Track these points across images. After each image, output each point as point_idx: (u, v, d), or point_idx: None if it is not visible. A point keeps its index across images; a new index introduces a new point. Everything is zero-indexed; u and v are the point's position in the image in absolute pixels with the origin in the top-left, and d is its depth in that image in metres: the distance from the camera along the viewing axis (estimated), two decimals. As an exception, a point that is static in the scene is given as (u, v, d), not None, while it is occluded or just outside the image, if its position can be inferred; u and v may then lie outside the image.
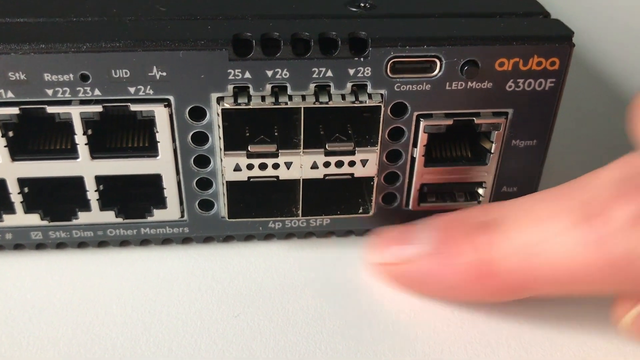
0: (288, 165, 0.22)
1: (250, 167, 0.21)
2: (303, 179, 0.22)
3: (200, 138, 0.21)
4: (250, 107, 0.20)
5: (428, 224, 0.21)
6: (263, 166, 0.22)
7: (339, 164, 0.22)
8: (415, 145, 0.22)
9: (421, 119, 0.22)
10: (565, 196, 0.18)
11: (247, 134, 0.22)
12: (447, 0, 0.23)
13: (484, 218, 0.19)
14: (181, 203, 0.23)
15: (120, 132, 0.22)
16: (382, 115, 0.21)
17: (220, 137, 0.21)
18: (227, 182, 0.22)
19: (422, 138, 0.22)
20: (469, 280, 0.19)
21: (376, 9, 0.22)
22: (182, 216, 0.23)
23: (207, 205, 0.23)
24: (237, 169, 0.21)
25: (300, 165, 0.22)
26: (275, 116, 0.22)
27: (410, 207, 0.24)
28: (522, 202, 0.19)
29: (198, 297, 0.22)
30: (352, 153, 0.22)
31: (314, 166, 0.22)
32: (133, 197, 0.23)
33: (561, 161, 0.27)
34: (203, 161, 0.22)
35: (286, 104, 0.20)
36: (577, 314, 0.21)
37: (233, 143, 0.21)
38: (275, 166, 0.22)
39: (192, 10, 0.21)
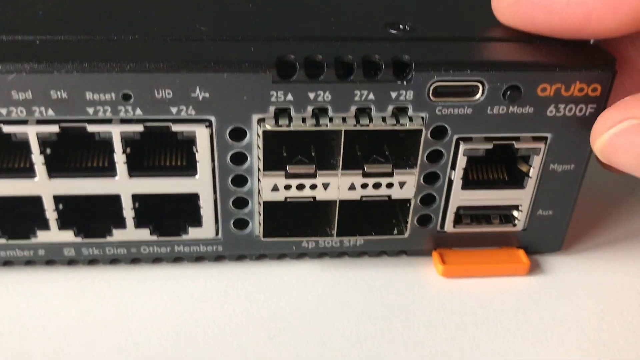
0: (325, 186, 0.22)
1: (287, 187, 0.21)
2: (339, 200, 0.22)
3: (239, 158, 0.21)
4: (292, 129, 0.20)
5: None
6: (301, 187, 0.21)
7: (377, 186, 0.22)
8: (453, 167, 0.22)
9: (461, 142, 0.21)
10: None
11: (285, 155, 0.22)
12: (487, 22, 0.23)
13: None
14: (216, 222, 0.23)
15: (159, 150, 0.22)
16: (423, 139, 0.21)
17: (259, 158, 0.21)
18: (264, 202, 0.22)
19: (461, 161, 0.22)
20: None
21: (416, 31, 0.22)
22: (217, 234, 0.23)
23: (242, 224, 0.23)
24: (275, 189, 0.21)
25: (338, 186, 0.22)
26: (313, 137, 0.22)
27: (445, 229, 0.24)
28: None
29: (233, 318, 0.22)
30: (391, 175, 0.22)
31: (352, 187, 0.22)
32: (169, 215, 0.23)
33: (597, 183, 0.27)
34: (240, 181, 0.22)
35: (327, 126, 0.20)
36: None
37: (272, 163, 0.21)
38: (313, 187, 0.21)
39: (232, 30, 0.21)
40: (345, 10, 0.23)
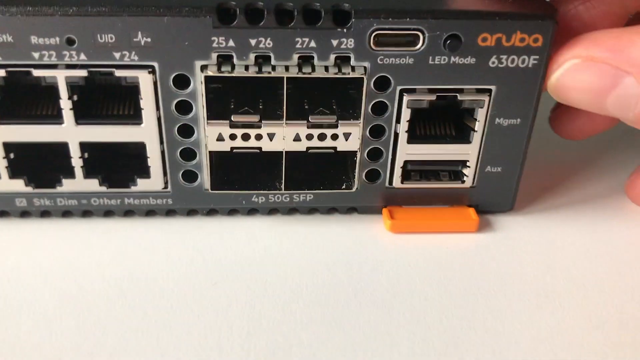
0: (271, 136, 0.22)
1: (233, 137, 0.22)
2: (286, 152, 0.22)
3: (185, 107, 0.21)
4: (234, 75, 0.20)
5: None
6: (246, 137, 0.22)
7: (322, 137, 0.22)
8: (398, 121, 0.22)
9: (404, 94, 0.22)
10: None
11: (232, 106, 0.22)
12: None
13: None
14: (165, 174, 0.23)
15: (106, 100, 0.22)
16: (365, 88, 0.21)
17: (203, 106, 0.21)
18: (209, 152, 0.22)
19: (405, 113, 0.22)
20: None
21: (363, -17, 0.22)
22: (166, 187, 0.23)
23: (190, 176, 0.23)
24: (220, 138, 0.22)
25: (283, 137, 0.22)
26: (261, 89, 0.22)
27: (393, 184, 0.24)
28: None
29: (177, 266, 0.22)
30: (335, 126, 0.22)
31: (297, 138, 0.22)
32: (118, 167, 0.23)
33: (547, 142, 0.27)
34: (187, 131, 0.22)
35: (269, 73, 0.20)
36: None
37: (216, 112, 0.21)
38: (258, 137, 0.22)
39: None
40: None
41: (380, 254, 0.23)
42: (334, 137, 0.22)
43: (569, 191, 0.26)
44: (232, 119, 0.21)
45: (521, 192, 0.25)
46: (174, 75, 0.21)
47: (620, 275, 0.22)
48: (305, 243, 0.23)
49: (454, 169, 0.24)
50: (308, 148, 0.22)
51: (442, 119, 0.24)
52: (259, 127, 0.21)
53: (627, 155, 0.29)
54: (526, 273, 0.22)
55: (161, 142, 0.22)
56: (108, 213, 0.24)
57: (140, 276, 0.21)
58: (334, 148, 0.22)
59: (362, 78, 0.21)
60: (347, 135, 0.22)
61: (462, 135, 0.23)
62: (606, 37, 0.20)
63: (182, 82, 0.21)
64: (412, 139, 0.23)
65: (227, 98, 0.22)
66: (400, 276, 0.22)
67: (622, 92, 0.20)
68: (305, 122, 0.22)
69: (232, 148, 0.22)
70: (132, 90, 0.21)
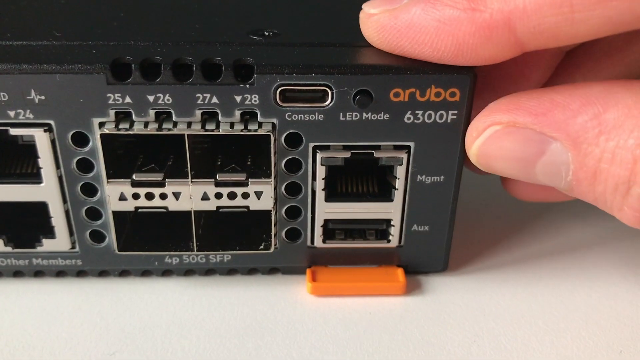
0: (177, 195, 0.21)
1: (136, 196, 0.20)
2: (195, 211, 0.21)
3: (86, 165, 0.20)
4: (131, 132, 0.19)
5: None
6: (150, 196, 0.21)
7: (232, 196, 0.21)
8: (314, 178, 0.21)
9: (318, 151, 0.20)
10: None
11: (140, 162, 0.21)
12: (357, 31, 0.22)
13: None
14: (71, 233, 0.22)
15: (8, 157, 0.21)
16: (272, 145, 0.20)
17: (103, 165, 0.20)
18: (113, 212, 0.21)
19: (321, 171, 0.21)
20: (457, 18, 0.17)
21: (279, 37, 0.21)
22: (74, 247, 0.22)
23: (98, 236, 0.22)
24: (123, 198, 0.20)
25: (190, 196, 0.21)
26: (168, 143, 0.21)
27: (315, 244, 0.22)
28: None
29: (78, 333, 0.20)
30: (246, 184, 0.21)
31: (205, 197, 0.21)
32: (24, 227, 0.22)
33: (486, 198, 0.26)
34: (90, 189, 0.21)
35: (169, 130, 0.19)
36: None
37: (117, 171, 0.20)
38: (163, 196, 0.21)
39: (87, 36, 0.21)
40: (219, 17, 0.23)
41: (298, 320, 0.21)
42: (245, 195, 0.21)
43: (509, 250, 0.25)
44: (133, 177, 0.20)
45: (458, 250, 0.24)
46: (71, 133, 0.20)
47: (553, 346, 0.20)
48: (219, 308, 0.22)
49: (379, 228, 0.22)
50: (218, 207, 0.21)
51: (366, 175, 0.22)
52: (163, 185, 0.20)
53: (568, 214, 0.27)
54: (451, 342, 0.20)
55: (64, 201, 0.21)
56: (17, 273, 0.23)
57: (36, 343, 0.20)
58: (247, 207, 0.21)
59: (269, 135, 0.20)
60: (258, 194, 0.21)
61: (385, 193, 0.22)
62: (527, 99, 0.18)
63: (81, 139, 0.20)
64: (332, 196, 0.22)
65: (135, 154, 0.21)
66: (313, 347, 0.20)
67: (550, 159, 0.18)
68: (213, 180, 0.20)
69: (136, 208, 0.21)
70: (31, 149, 0.20)
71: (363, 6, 0.20)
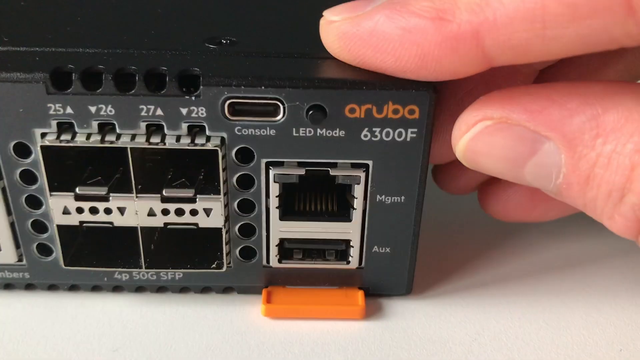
0: (122, 211, 0.20)
1: (80, 210, 0.20)
2: (142, 227, 0.20)
3: (29, 176, 0.20)
4: (72, 145, 0.18)
5: None
6: (94, 210, 0.20)
7: (180, 212, 0.20)
8: (268, 195, 0.20)
9: (270, 167, 0.19)
10: None
11: (86, 175, 0.20)
12: (319, 41, 0.21)
13: None
14: (18, 246, 0.21)
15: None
16: (221, 161, 0.19)
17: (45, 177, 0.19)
18: (57, 225, 0.20)
19: (274, 188, 0.20)
20: (424, 27, 0.16)
21: (235, 45, 0.20)
22: (21, 260, 0.21)
23: (45, 249, 0.21)
24: (66, 212, 0.20)
25: (136, 211, 0.20)
26: (115, 156, 0.20)
27: (270, 264, 0.21)
28: None
29: (23, 346, 0.20)
30: (194, 201, 0.20)
31: (151, 213, 0.20)
32: (-30, 237, 0.21)
33: (454, 219, 0.25)
34: (35, 202, 0.20)
35: (112, 143, 0.19)
36: None
37: (60, 184, 0.19)
38: (108, 211, 0.20)
39: (36, 42, 0.20)
40: (178, 23, 0.22)
41: (250, 344, 0.20)
42: (194, 212, 0.20)
43: (477, 272, 0.23)
44: (77, 191, 0.19)
45: (422, 272, 0.23)
46: (13, 143, 0.19)
47: (516, 379, 0.19)
48: (169, 327, 0.21)
49: (338, 248, 0.21)
50: (166, 224, 0.20)
51: (325, 193, 0.21)
52: (107, 200, 0.19)
53: (538, 232, 0.26)
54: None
55: (9, 213, 0.20)
56: (-35, 285, 0.22)
57: (-29, 362, 0.19)
58: (196, 224, 0.20)
59: (217, 150, 0.19)
60: (208, 211, 0.20)
61: (344, 212, 0.21)
62: (522, 95, 0.17)
63: (23, 150, 0.19)
64: (288, 214, 0.20)
65: (83, 166, 0.20)
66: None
67: (541, 160, 0.17)
68: (159, 195, 0.20)
69: (81, 222, 0.20)
70: (-27, 159, 0.20)
71: (324, 13, 0.19)
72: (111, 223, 0.20)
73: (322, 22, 0.19)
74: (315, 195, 0.21)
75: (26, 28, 0.21)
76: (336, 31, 0.18)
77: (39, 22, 0.21)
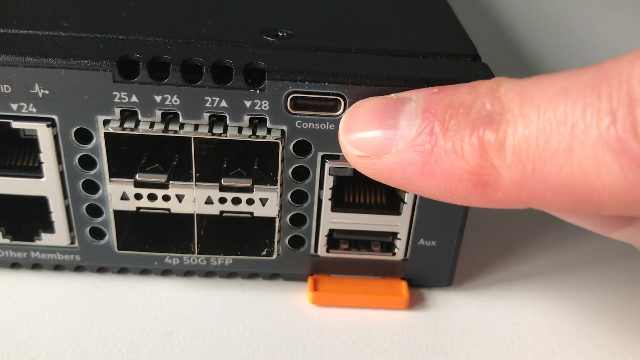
0: (180, 198, 0.20)
1: (138, 196, 0.20)
2: (198, 214, 0.21)
3: (88, 162, 0.20)
4: (136, 133, 0.19)
5: (416, 99, 0.17)
6: (152, 197, 0.20)
7: (236, 201, 0.20)
8: (321, 187, 0.21)
9: (326, 160, 0.20)
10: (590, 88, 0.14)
11: (144, 161, 0.20)
12: (375, 35, 0.21)
13: (489, 107, 0.15)
14: (71, 229, 0.21)
15: (7, 150, 0.21)
16: (280, 153, 0.19)
17: (105, 163, 0.20)
18: (114, 210, 0.20)
19: (328, 180, 0.20)
20: (463, 187, 0.16)
21: (293, 39, 0.20)
22: (73, 243, 0.22)
23: (98, 233, 0.21)
24: (125, 197, 0.20)
25: (194, 199, 0.20)
26: (175, 144, 0.20)
27: (319, 253, 0.22)
28: (539, 89, 0.15)
29: (72, 327, 0.20)
30: (251, 190, 0.20)
31: (209, 201, 0.20)
32: (24, 219, 0.22)
33: (492, 212, 0.26)
34: (92, 186, 0.20)
35: (175, 132, 0.19)
36: None
37: (120, 170, 0.20)
38: (166, 198, 0.20)
39: (96, 28, 0.20)
40: (232, 13, 0.22)
41: (296, 329, 0.21)
42: (250, 201, 0.20)
43: (513, 265, 0.24)
44: (136, 177, 0.20)
45: (462, 264, 0.23)
46: (75, 129, 0.19)
47: (557, 371, 0.20)
48: (218, 311, 0.21)
49: (384, 240, 0.22)
50: (222, 212, 0.20)
51: (375, 186, 0.22)
52: (166, 187, 0.20)
53: (573, 228, 0.26)
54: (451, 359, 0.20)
55: (65, 197, 0.21)
56: (15, 265, 0.22)
57: (30, 334, 0.20)
58: (251, 213, 0.21)
59: (277, 143, 0.19)
60: (263, 201, 0.20)
61: (393, 206, 0.21)
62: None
63: (84, 136, 0.19)
64: (339, 206, 0.21)
65: (140, 152, 0.21)
66: (312, 358, 0.20)
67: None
68: (218, 184, 0.20)
69: (138, 208, 0.20)
70: (33, 143, 0.20)
71: (343, 134, 0.18)
72: (168, 210, 0.20)
73: (342, 146, 0.18)
74: (364, 187, 0.22)
75: (83, 13, 0.21)
76: (360, 165, 0.18)
77: (93, 7, 0.22)
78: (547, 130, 0.14)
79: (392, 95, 0.18)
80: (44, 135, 0.19)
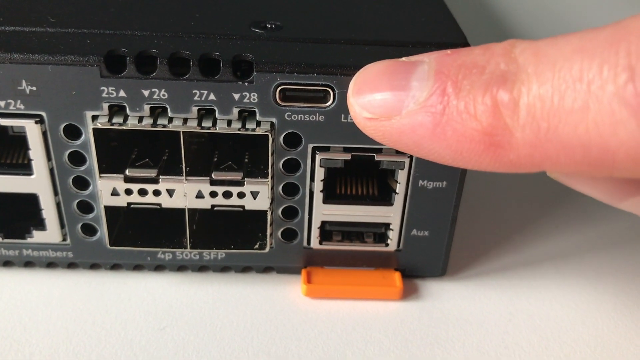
0: (170, 192, 0.20)
1: (129, 192, 0.20)
2: (189, 209, 0.20)
3: (78, 158, 0.20)
4: (125, 128, 0.19)
5: (428, 61, 0.16)
6: (143, 192, 0.20)
7: (227, 195, 0.20)
8: (313, 179, 0.21)
9: (317, 152, 0.20)
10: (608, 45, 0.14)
11: (133, 157, 0.20)
12: (364, 26, 0.21)
13: (503, 67, 0.15)
14: (62, 226, 0.21)
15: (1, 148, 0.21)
16: (270, 145, 0.19)
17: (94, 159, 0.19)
18: (105, 206, 0.20)
19: (319, 172, 0.20)
20: (475, 149, 0.15)
21: (281, 30, 0.20)
22: (65, 240, 0.22)
23: (90, 229, 0.21)
24: (115, 193, 0.20)
25: (184, 193, 0.20)
26: (167, 140, 0.20)
27: (311, 245, 0.22)
28: (555, 48, 0.14)
29: (65, 324, 0.20)
30: (241, 184, 0.20)
31: (199, 195, 0.20)
32: (15, 217, 0.22)
33: (485, 202, 0.25)
34: (82, 183, 0.20)
35: (164, 127, 0.19)
36: None
37: (110, 165, 0.20)
38: (157, 193, 0.20)
39: (82, 23, 0.20)
40: (220, 5, 0.22)
41: (290, 324, 0.21)
42: (241, 195, 0.20)
43: (507, 254, 0.24)
44: (126, 173, 0.20)
45: (456, 254, 0.23)
46: (63, 125, 0.19)
47: (561, 351, 0.20)
48: (212, 305, 0.21)
49: (377, 231, 0.22)
50: (213, 206, 0.20)
51: (366, 177, 0.22)
52: (157, 182, 0.20)
53: (568, 217, 0.27)
54: (445, 348, 0.20)
55: (56, 194, 0.20)
56: (7, 263, 0.22)
57: (22, 331, 0.20)
58: (242, 207, 0.20)
59: (267, 135, 0.19)
60: (255, 194, 0.20)
61: (385, 197, 0.21)
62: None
63: (73, 132, 0.19)
64: (330, 198, 0.21)
65: (129, 147, 0.21)
66: (306, 349, 0.20)
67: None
68: (208, 178, 0.20)
69: (128, 203, 0.20)
70: (22, 140, 0.20)
71: (352, 96, 0.17)
72: (159, 205, 0.20)
73: (351, 108, 0.17)
74: (356, 179, 0.22)
75: (70, 8, 0.21)
76: (369, 128, 0.17)
77: (80, 2, 0.21)
78: (563, 88, 0.14)
79: (403, 58, 0.17)
80: (32, 132, 0.19)
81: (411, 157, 0.20)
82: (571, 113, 0.14)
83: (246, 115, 0.19)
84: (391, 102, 0.16)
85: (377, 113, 0.16)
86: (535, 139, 0.14)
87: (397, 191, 0.21)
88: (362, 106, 0.17)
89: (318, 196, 0.21)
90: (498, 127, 0.15)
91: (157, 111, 0.19)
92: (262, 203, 0.20)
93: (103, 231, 0.21)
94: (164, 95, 0.19)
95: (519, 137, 0.14)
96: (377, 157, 0.20)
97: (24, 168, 0.20)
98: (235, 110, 0.19)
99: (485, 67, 0.15)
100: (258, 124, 0.19)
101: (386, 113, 0.16)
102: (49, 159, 0.20)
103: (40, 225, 0.21)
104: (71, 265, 0.22)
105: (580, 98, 0.13)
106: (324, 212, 0.21)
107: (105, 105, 0.19)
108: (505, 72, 0.15)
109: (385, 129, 0.16)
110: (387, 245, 0.22)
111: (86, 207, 0.21)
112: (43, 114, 0.19)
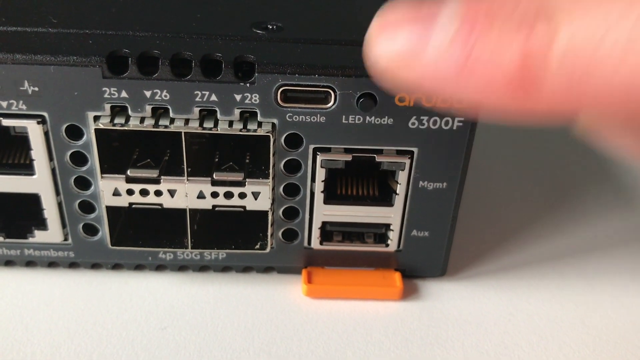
0: (172, 193, 0.20)
1: (130, 192, 0.20)
2: (190, 209, 0.21)
3: (79, 158, 0.20)
4: (126, 128, 0.19)
5: (455, 2, 0.15)
6: (144, 192, 0.20)
7: (229, 195, 0.20)
8: (313, 180, 0.21)
9: (318, 153, 0.20)
10: None
11: (135, 157, 0.20)
12: (365, 27, 0.21)
13: (536, 6, 0.14)
14: (64, 226, 0.21)
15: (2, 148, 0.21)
16: (271, 146, 0.19)
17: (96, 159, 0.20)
18: (106, 206, 0.20)
19: (320, 173, 0.20)
20: (502, 92, 0.14)
21: (282, 32, 0.20)
22: (66, 239, 0.22)
23: (91, 229, 0.21)
24: (117, 193, 0.20)
25: (186, 194, 0.20)
26: (169, 140, 0.20)
27: (312, 245, 0.22)
28: None
29: (67, 324, 0.20)
30: (242, 184, 0.20)
31: (201, 196, 0.20)
32: (17, 216, 0.22)
33: (485, 202, 0.25)
34: (84, 183, 0.20)
35: (166, 127, 0.19)
36: None
37: (112, 166, 0.20)
38: (158, 193, 0.20)
39: (84, 24, 0.20)
40: (221, 6, 0.22)
41: (291, 324, 0.21)
42: (242, 195, 0.20)
43: (507, 254, 0.24)
44: (128, 173, 0.20)
45: (456, 254, 0.23)
46: (65, 125, 0.19)
47: (560, 352, 0.20)
48: (213, 305, 0.21)
49: (377, 232, 0.22)
50: (214, 206, 0.20)
51: (367, 178, 0.22)
52: (158, 182, 0.20)
53: (568, 217, 0.27)
54: (446, 349, 0.20)
55: (57, 194, 0.21)
56: (9, 263, 0.22)
57: (24, 331, 0.20)
58: (243, 207, 0.21)
59: (268, 136, 0.19)
60: (256, 195, 0.20)
61: (385, 197, 0.21)
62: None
63: (75, 132, 0.19)
64: (331, 199, 0.21)
65: (131, 147, 0.21)
66: (307, 349, 0.20)
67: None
68: (209, 179, 0.20)
69: (130, 204, 0.20)
70: (24, 140, 0.20)
71: (373, 37, 0.16)
72: (161, 205, 0.20)
73: (371, 45, 0.16)
74: (356, 179, 0.22)
75: (72, 9, 0.21)
76: (391, 69, 0.15)
77: (82, 3, 0.21)
78: (603, 28, 0.12)
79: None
80: (34, 132, 0.19)
81: (412, 158, 0.20)
82: (611, 55, 0.13)
83: (247, 116, 0.19)
84: (414, 43, 0.15)
85: (401, 52, 0.15)
86: (569, 81, 0.13)
87: (397, 192, 0.21)
88: (385, 45, 0.15)
89: (319, 197, 0.21)
90: (530, 68, 0.13)
91: (159, 112, 0.19)
92: (263, 203, 0.20)
93: (104, 231, 0.21)
94: (165, 96, 0.19)
95: (552, 81, 0.13)
96: (378, 158, 0.20)
97: (26, 168, 0.20)
98: (237, 111, 0.19)
99: (517, 7, 0.14)
100: (259, 124, 0.19)
101: (409, 55, 0.15)
102: (50, 159, 0.20)
103: (42, 225, 0.21)
104: (72, 265, 0.22)
105: (623, 39, 0.12)
106: (325, 212, 0.21)
107: (107, 106, 0.19)
108: (538, 10, 0.14)
109: (407, 74, 0.15)
110: (387, 245, 0.22)
111: (88, 207, 0.21)
112: (45, 114, 0.19)
